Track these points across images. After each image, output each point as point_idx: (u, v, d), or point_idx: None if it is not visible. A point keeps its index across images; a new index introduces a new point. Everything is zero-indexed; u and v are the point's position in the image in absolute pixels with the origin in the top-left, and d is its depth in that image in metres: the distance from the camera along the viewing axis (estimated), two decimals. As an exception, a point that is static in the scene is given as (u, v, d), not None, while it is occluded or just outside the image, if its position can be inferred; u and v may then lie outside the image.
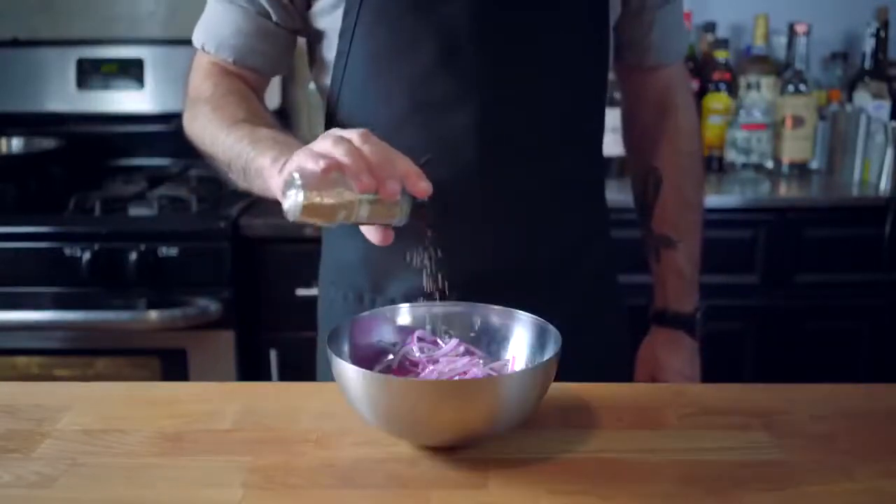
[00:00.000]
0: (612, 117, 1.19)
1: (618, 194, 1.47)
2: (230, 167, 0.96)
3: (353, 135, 0.78)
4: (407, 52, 0.99)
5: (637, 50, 1.14)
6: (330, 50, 1.04)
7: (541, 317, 0.86)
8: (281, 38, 1.07)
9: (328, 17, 1.03)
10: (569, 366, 0.83)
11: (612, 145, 1.28)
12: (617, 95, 1.26)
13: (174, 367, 1.83)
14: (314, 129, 2.25)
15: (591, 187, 1.14)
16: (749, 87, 2.18)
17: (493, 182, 1.01)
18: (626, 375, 1.23)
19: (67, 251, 1.79)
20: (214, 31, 1.07)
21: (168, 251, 1.79)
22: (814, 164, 2.17)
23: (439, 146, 0.99)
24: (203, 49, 1.08)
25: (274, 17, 1.05)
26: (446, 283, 0.92)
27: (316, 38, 1.07)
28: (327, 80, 1.06)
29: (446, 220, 0.89)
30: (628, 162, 1.27)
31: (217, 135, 0.97)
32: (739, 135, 2.16)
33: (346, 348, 0.85)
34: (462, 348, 0.88)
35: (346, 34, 1.01)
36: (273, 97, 2.25)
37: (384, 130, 0.94)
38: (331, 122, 1.07)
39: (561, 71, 1.03)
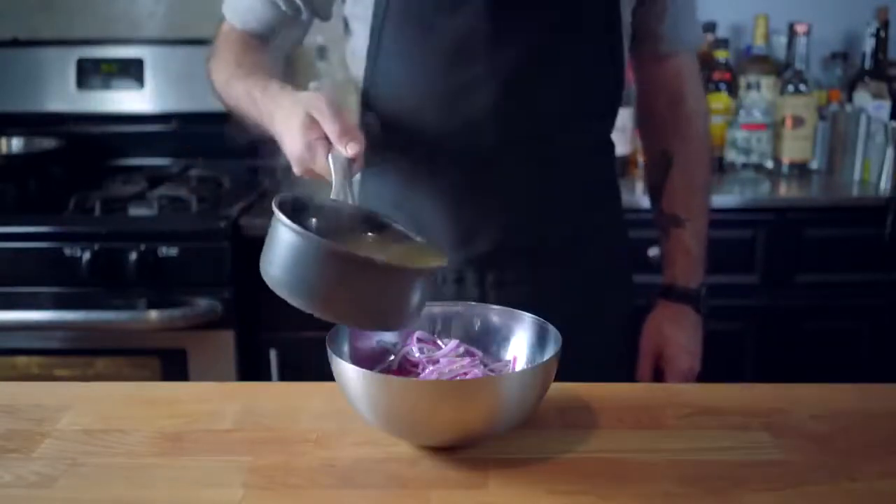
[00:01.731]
0: (620, 118, 1.21)
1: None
2: (244, 119, 1.06)
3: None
4: (430, 39, 1.04)
5: (650, 38, 1.19)
6: (360, 41, 1.10)
7: (551, 293, 0.88)
8: (302, 25, 1.17)
9: (359, 13, 1.09)
10: (569, 365, 0.84)
11: (618, 144, 1.29)
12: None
13: (174, 367, 1.83)
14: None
15: (602, 165, 1.21)
16: (749, 87, 2.18)
17: (510, 158, 1.06)
18: (626, 375, 1.26)
19: (67, 251, 1.79)
20: (241, 17, 1.14)
21: (168, 251, 1.79)
22: (814, 164, 2.17)
23: (462, 125, 1.05)
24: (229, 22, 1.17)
25: (304, 16, 1.14)
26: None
27: (348, 29, 1.14)
28: (360, 71, 1.11)
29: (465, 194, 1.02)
30: (642, 145, 1.33)
31: (225, 90, 1.09)
32: (739, 135, 2.16)
33: (346, 348, 0.85)
34: (462, 349, 0.88)
35: (375, 34, 1.07)
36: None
37: (411, 110, 1.05)
38: (365, 99, 1.13)
39: (577, 54, 1.07)
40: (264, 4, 1.13)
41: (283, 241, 0.75)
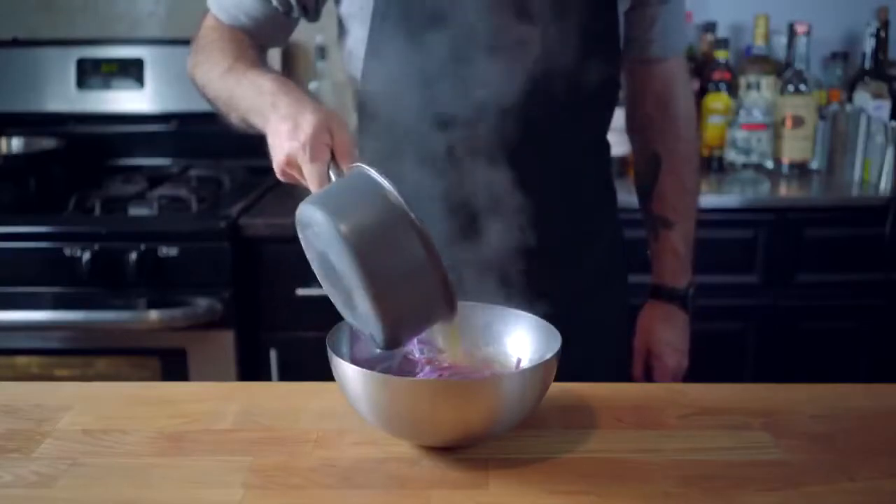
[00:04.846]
0: (616, 118, 1.22)
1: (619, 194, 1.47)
2: (229, 114, 1.03)
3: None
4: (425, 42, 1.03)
5: (640, 43, 1.19)
6: (356, 41, 1.10)
7: (550, 293, 0.88)
8: (290, 24, 1.15)
9: (356, 13, 1.09)
10: (569, 365, 0.84)
11: (617, 145, 1.30)
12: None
13: (174, 367, 1.83)
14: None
15: (597, 165, 1.22)
16: (749, 87, 2.18)
17: (507, 158, 1.06)
18: (626, 374, 1.28)
19: (67, 251, 1.79)
20: (229, 12, 1.12)
21: (168, 251, 1.79)
22: (814, 164, 2.17)
23: (459, 126, 1.04)
24: (216, 17, 1.14)
25: (295, 14, 1.12)
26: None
27: (343, 29, 1.13)
28: (357, 72, 1.11)
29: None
30: (631, 147, 1.33)
31: (215, 83, 1.06)
32: (739, 135, 2.16)
33: (346, 349, 0.85)
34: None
35: (373, 34, 1.07)
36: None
37: (408, 110, 1.04)
38: (362, 99, 1.13)
39: (575, 54, 1.07)
40: (255, 0, 1.11)
41: (385, 213, 0.74)
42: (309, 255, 0.82)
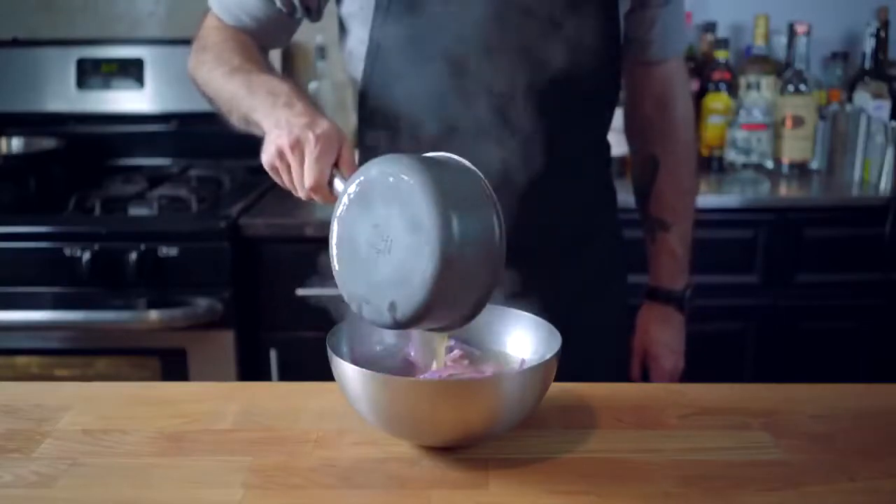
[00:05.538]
0: (616, 118, 1.22)
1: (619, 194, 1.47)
2: (230, 113, 1.03)
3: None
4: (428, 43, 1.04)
5: (640, 45, 1.20)
6: (357, 42, 1.10)
7: (550, 293, 0.88)
8: (292, 25, 1.15)
9: (357, 13, 1.09)
10: (569, 365, 0.84)
11: (617, 145, 1.30)
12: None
13: (174, 367, 1.83)
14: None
15: (597, 165, 1.22)
16: (749, 87, 2.18)
17: (507, 159, 1.04)
18: (625, 374, 1.28)
19: (67, 251, 1.79)
20: (232, 12, 1.12)
21: (168, 251, 1.79)
22: (814, 164, 2.17)
23: (461, 126, 1.04)
24: (218, 17, 1.14)
25: (298, 14, 1.12)
26: None
27: (344, 29, 1.14)
28: (357, 72, 1.11)
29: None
30: (629, 149, 1.33)
31: (218, 81, 1.05)
32: (739, 135, 2.16)
33: (346, 349, 0.85)
34: (457, 352, 0.88)
35: (374, 34, 1.07)
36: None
37: (410, 110, 1.03)
38: (363, 100, 1.13)
39: (577, 54, 1.06)
40: (259, 0, 1.11)
41: (475, 191, 0.78)
42: (350, 212, 0.78)
